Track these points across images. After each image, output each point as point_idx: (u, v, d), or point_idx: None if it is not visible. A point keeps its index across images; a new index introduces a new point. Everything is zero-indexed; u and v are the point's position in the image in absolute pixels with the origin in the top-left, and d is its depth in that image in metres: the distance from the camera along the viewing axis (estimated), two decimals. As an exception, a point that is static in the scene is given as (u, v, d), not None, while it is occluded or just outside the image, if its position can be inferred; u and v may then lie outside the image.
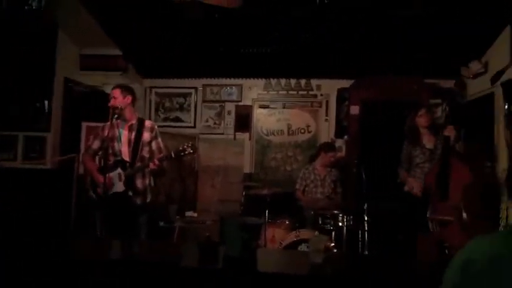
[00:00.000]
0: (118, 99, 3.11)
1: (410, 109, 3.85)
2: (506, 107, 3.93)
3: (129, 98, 3.16)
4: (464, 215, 3.15)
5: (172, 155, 3.03)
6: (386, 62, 4.76)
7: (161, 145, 3.27)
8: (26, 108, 4.63)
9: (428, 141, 3.71)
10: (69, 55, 4.94)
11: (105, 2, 4.32)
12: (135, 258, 2.38)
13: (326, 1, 3.67)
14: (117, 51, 5.09)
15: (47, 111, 4.63)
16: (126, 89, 3.20)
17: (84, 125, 4.51)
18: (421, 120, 3.69)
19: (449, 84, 5.02)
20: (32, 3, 4.44)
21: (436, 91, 5.08)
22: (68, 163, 4.43)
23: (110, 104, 3.12)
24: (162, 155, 3.14)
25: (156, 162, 3.02)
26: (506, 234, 0.91)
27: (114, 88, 3.21)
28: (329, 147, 4.55)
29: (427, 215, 3.30)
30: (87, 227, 3.67)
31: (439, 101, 5.04)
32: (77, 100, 4.99)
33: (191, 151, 3.01)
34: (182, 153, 3.02)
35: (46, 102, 4.64)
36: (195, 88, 5.70)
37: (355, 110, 5.13)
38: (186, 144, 3.03)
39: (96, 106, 5.12)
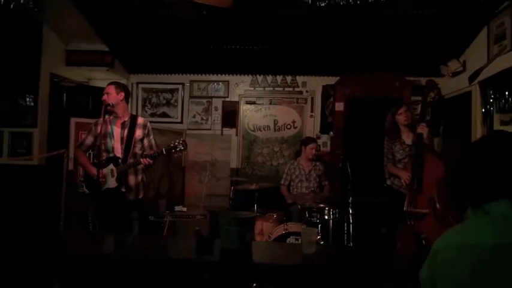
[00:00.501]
0: (111, 95, 3.13)
1: (392, 106, 4.01)
2: (482, 104, 4.14)
3: (122, 95, 3.19)
4: (439, 207, 3.34)
5: (164, 152, 3.07)
6: (369, 60, 4.92)
7: (153, 142, 3.32)
8: (12, 104, 4.58)
9: (407, 138, 3.87)
10: (55, 50, 4.90)
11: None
12: (129, 252, 2.44)
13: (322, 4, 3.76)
14: (103, 47, 5.08)
15: (33, 106, 4.60)
16: (119, 86, 3.23)
17: (73, 121, 4.50)
18: (401, 118, 3.85)
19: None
20: (18, -1, 4.39)
21: (416, 88, 5.27)
22: (56, 159, 4.42)
23: (102, 99, 3.13)
24: (153, 151, 3.18)
25: (149, 159, 3.06)
26: (470, 224, 1.05)
27: (107, 85, 3.21)
28: (308, 140, 4.68)
29: (404, 208, 3.46)
30: (78, 222, 3.70)
31: (419, 98, 5.23)
32: (63, 95, 4.97)
33: (182, 148, 3.06)
34: (173, 150, 3.07)
35: (32, 97, 4.61)
36: (182, 84, 5.74)
37: (339, 106, 5.28)
38: (177, 140, 3.08)
39: (83, 101, 5.12)
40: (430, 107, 5.07)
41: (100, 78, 5.44)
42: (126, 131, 3.17)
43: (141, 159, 3.08)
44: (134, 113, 5.66)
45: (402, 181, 3.61)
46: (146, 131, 3.27)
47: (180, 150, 3.09)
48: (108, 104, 3.09)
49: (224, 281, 2.11)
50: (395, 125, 3.88)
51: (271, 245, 3.16)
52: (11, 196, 4.15)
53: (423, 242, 3.16)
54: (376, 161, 4.30)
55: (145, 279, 2.08)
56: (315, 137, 5.45)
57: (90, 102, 5.06)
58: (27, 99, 4.62)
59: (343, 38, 4.60)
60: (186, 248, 2.37)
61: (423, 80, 5.28)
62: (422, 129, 3.53)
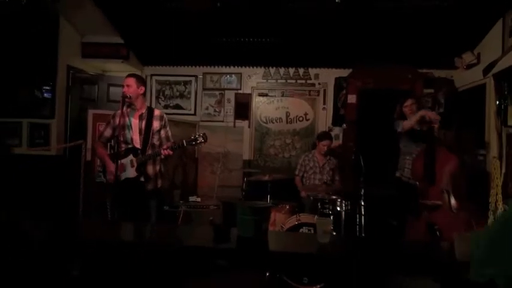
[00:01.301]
0: (132, 87, 3.19)
1: (402, 98, 4.03)
2: (496, 97, 4.12)
3: (142, 89, 3.27)
4: (453, 200, 3.37)
5: (184, 144, 3.14)
6: (382, 52, 4.91)
7: (169, 134, 3.39)
8: (30, 96, 4.70)
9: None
10: (71, 43, 4.99)
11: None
12: (147, 240, 2.52)
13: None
14: (118, 39, 5.15)
15: (50, 98, 4.71)
16: (140, 79, 3.29)
17: (91, 112, 4.60)
18: (406, 110, 3.89)
19: (443, 74, 5.21)
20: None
21: (429, 81, 5.26)
22: (74, 149, 4.53)
23: (123, 92, 3.19)
24: (173, 142, 3.25)
25: (169, 151, 3.13)
26: None
27: (128, 76, 3.26)
28: (323, 136, 4.69)
29: (417, 200, 3.50)
30: (96, 211, 3.80)
31: (431, 90, 5.23)
32: (80, 87, 5.06)
33: (202, 140, 3.13)
34: (194, 142, 3.14)
35: (49, 89, 4.71)
36: (195, 76, 5.79)
37: (352, 98, 5.30)
38: (198, 133, 3.15)
39: (99, 93, 5.22)
40: (443, 101, 5.09)
41: (115, 70, 5.53)
42: (143, 122, 3.24)
43: (162, 151, 3.14)
44: (148, 104, 5.75)
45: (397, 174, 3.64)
46: (163, 122, 3.34)
47: (201, 142, 3.16)
48: (127, 97, 3.16)
49: (241, 268, 2.17)
50: (402, 116, 3.91)
51: (286, 234, 3.22)
52: (30, 185, 4.27)
53: (437, 233, 3.21)
54: (387, 153, 4.33)
55: (163, 266, 2.15)
56: (327, 129, 5.49)
57: (106, 94, 5.14)
58: (45, 90, 4.73)
59: (356, 30, 4.60)
60: (202, 237, 2.44)
61: (436, 73, 5.29)
62: (434, 122, 3.56)
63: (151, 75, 5.85)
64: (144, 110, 3.29)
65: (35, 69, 4.70)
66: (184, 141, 3.13)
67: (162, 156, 3.20)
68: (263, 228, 2.25)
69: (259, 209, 2.24)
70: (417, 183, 3.68)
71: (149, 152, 3.21)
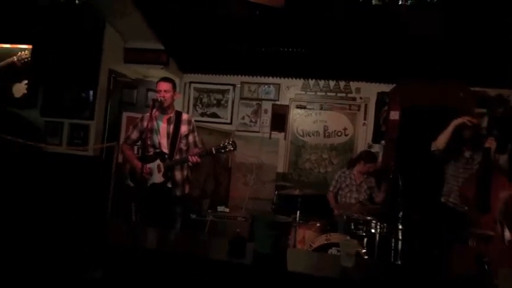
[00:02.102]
0: (169, 93, 3.17)
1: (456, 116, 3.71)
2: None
3: (177, 95, 3.26)
4: (507, 232, 3.01)
5: (213, 151, 3.05)
6: (429, 67, 4.60)
7: (197, 139, 3.32)
8: (73, 97, 4.84)
9: (466, 150, 3.58)
10: (114, 48, 5.12)
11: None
12: (169, 247, 2.43)
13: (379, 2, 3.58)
14: (159, 46, 5.22)
15: (91, 100, 4.83)
16: (175, 85, 3.27)
17: (125, 115, 4.66)
18: (466, 131, 3.56)
19: (496, 92, 4.80)
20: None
21: (482, 100, 4.86)
22: (109, 151, 4.59)
23: (159, 96, 3.15)
24: (202, 148, 3.18)
25: (197, 158, 3.05)
26: None
27: (164, 81, 3.23)
28: (370, 158, 4.41)
29: (466, 228, 3.17)
30: (123, 214, 3.77)
31: (484, 110, 4.82)
32: (120, 91, 5.17)
33: (232, 148, 3.02)
34: (223, 150, 3.04)
35: (91, 92, 4.84)
36: (234, 85, 5.75)
37: (395, 115, 5.00)
38: (227, 141, 3.05)
39: (138, 97, 5.30)
40: (498, 122, 4.65)
41: (155, 76, 5.59)
42: (172, 126, 3.20)
43: (190, 157, 3.07)
44: (186, 111, 5.78)
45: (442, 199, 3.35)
46: (191, 127, 3.28)
47: (230, 150, 3.06)
48: (160, 101, 3.12)
49: (254, 286, 2.01)
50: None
51: (308, 254, 3.02)
52: (66, 183, 4.37)
53: (485, 266, 2.88)
54: (430, 175, 4.01)
55: (173, 274, 2.04)
56: (366, 146, 5.22)
57: (144, 98, 5.21)
58: (87, 93, 4.86)
59: (402, 42, 4.34)
60: (219, 249, 2.31)
61: (490, 91, 4.88)
62: (491, 144, 3.24)
63: (190, 82, 5.88)
64: (172, 114, 3.25)
65: (79, 71, 4.85)
66: (213, 148, 3.04)
67: (190, 164, 3.12)
68: (281, 244, 2.08)
69: (278, 224, 2.07)
70: (466, 209, 3.36)
71: (176, 156, 3.14)
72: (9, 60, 5.13)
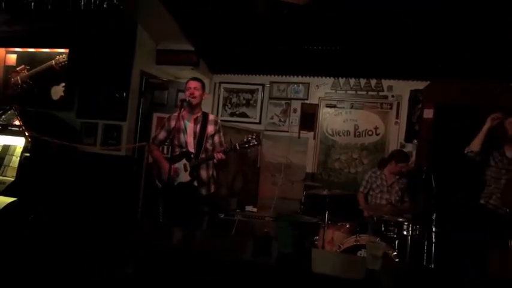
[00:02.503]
0: (199, 91, 3.22)
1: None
2: None
3: (205, 94, 3.29)
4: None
5: (237, 147, 3.07)
6: (466, 63, 4.40)
7: (222, 139, 3.35)
8: (106, 98, 5.00)
9: (508, 150, 3.39)
10: (146, 50, 5.23)
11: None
12: (195, 247, 2.45)
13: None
14: (189, 47, 5.29)
15: (124, 101, 4.96)
16: (204, 84, 3.31)
17: (155, 115, 4.76)
18: (510, 127, 3.37)
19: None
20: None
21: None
22: (140, 151, 4.71)
23: (189, 93, 3.19)
24: (226, 146, 3.20)
25: (222, 154, 3.07)
26: None
27: (195, 80, 3.27)
28: (402, 157, 4.26)
29: (507, 232, 3.02)
30: (153, 213, 3.85)
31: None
32: (151, 92, 5.29)
33: (255, 143, 3.02)
34: (246, 145, 3.05)
35: (124, 93, 4.97)
36: (263, 85, 5.75)
37: (429, 113, 4.83)
38: (250, 135, 3.05)
39: (168, 98, 5.40)
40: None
41: (185, 77, 5.66)
42: (198, 126, 3.23)
43: (215, 154, 3.10)
44: (215, 112, 5.84)
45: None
46: (217, 127, 3.30)
47: (254, 145, 3.06)
48: (189, 101, 3.16)
49: (277, 286, 2.00)
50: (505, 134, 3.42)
51: (333, 255, 2.96)
52: (100, 182, 4.52)
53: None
54: (468, 176, 3.85)
55: (197, 273, 2.06)
56: (399, 145, 5.07)
57: (175, 99, 5.30)
58: (120, 94, 5.00)
59: (436, 37, 4.17)
60: (245, 248, 2.32)
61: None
62: None
63: (220, 83, 5.93)
64: (199, 114, 3.28)
65: (113, 74, 5.00)
66: (237, 144, 3.06)
67: (215, 161, 3.14)
68: (306, 245, 2.05)
69: (301, 224, 2.04)
70: (508, 212, 3.19)
71: (202, 156, 3.17)
72: (48, 64, 5.40)
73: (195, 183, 3.19)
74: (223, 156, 3.09)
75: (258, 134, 3.13)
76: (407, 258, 3.50)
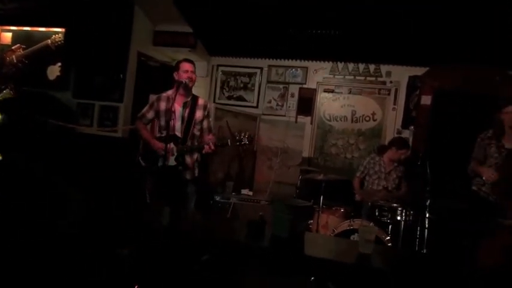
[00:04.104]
0: (194, 74, 3.19)
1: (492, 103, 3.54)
2: None
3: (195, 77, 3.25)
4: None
5: (229, 143, 3.08)
6: (464, 50, 4.37)
7: (211, 124, 3.34)
8: (103, 80, 4.96)
9: (508, 141, 3.39)
10: (143, 31, 5.16)
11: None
12: (188, 227, 2.47)
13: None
14: (187, 28, 5.22)
15: (121, 82, 4.92)
16: (195, 66, 3.27)
17: (152, 97, 4.71)
18: (507, 117, 3.37)
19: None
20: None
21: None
22: (134, 132, 4.69)
23: (187, 76, 3.13)
24: (218, 139, 3.19)
25: (212, 147, 3.06)
26: None
27: (188, 62, 3.21)
28: (402, 144, 4.25)
29: (499, 219, 3.04)
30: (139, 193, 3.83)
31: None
32: (148, 73, 5.24)
33: (247, 142, 3.06)
34: (238, 143, 3.07)
35: (120, 74, 4.93)
36: (261, 68, 5.70)
37: (426, 100, 4.82)
38: (243, 134, 3.08)
39: (165, 80, 5.36)
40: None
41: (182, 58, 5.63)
42: (187, 111, 3.18)
43: (205, 146, 3.08)
44: (212, 94, 5.81)
45: (484, 179, 3.21)
46: (206, 112, 3.26)
47: (245, 144, 3.10)
48: (185, 83, 3.11)
49: (272, 268, 2.03)
50: (500, 124, 3.42)
51: (325, 239, 3.00)
52: (97, 163, 4.51)
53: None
54: (463, 163, 3.86)
55: (191, 253, 2.08)
56: (395, 131, 5.08)
57: (171, 81, 5.25)
58: (117, 75, 4.95)
59: (435, 23, 4.13)
60: (239, 231, 2.34)
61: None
62: None
63: (218, 65, 5.88)
64: (189, 98, 3.24)
65: (110, 54, 4.94)
66: (229, 141, 3.08)
67: (203, 152, 3.14)
68: (299, 229, 2.08)
69: (295, 208, 2.06)
70: (498, 199, 3.22)
71: (189, 141, 3.16)
72: (43, 43, 5.32)
73: (180, 168, 3.16)
74: (213, 149, 3.08)
75: (251, 134, 3.14)
76: (400, 243, 3.54)
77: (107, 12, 4.90)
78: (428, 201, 3.57)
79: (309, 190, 4.27)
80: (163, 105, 3.18)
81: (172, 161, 3.12)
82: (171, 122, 3.11)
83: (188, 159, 3.21)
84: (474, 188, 3.53)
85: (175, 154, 3.12)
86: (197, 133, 3.24)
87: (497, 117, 3.45)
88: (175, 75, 3.22)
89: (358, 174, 4.37)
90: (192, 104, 3.22)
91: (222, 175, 4.84)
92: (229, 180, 4.85)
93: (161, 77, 5.27)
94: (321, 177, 3.90)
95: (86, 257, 2.36)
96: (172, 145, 3.12)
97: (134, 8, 4.94)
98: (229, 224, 2.87)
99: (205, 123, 3.28)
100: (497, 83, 4.58)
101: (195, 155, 3.26)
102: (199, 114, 3.23)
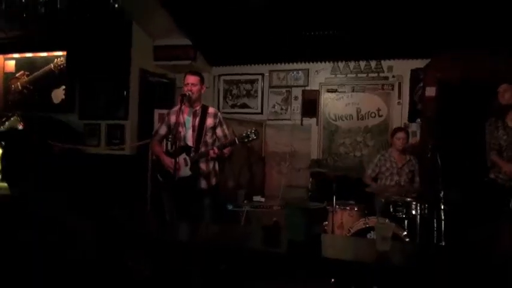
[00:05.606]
0: (196, 86, 3.19)
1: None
2: None
3: (204, 88, 3.27)
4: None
5: (237, 141, 3.06)
6: (466, 38, 4.33)
7: (226, 132, 3.32)
8: (107, 99, 5.01)
9: (510, 120, 3.36)
10: (143, 47, 5.22)
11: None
12: (202, 240, 2.46)
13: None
14: (187, 41, 5.27)
15: (125, 100, 4.97)
16: (202, 78, 3.28)
17: (157, 112, 4.76)
18: (504, 96, 3.35)
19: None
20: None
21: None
22: (144, 148, 4.72)
23: (187, 89, 3.16)
24: (225, 140, 3.20)
25: (216, 150, 3.07)
26: None
27: (192, 74, 3.24)
28: (396, 129, 4.31)
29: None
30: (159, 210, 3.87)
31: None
32: (151, 89, 5.28)
33: (254, 137, 3.01)
34: (246, 139, 3.04)
35: (124, 92, 4.97)
36: (262, 74, 5.72)
37: (431, 91, 4.78)
38: (249, 130, 3.04)
39: (168, 94, 5.40)
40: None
41: (184, 72, 5.66)
42: (197, 119, 3.22)
43: (209, 150, 3.10)
44: (216, 104, 5.83)
45: (503, 172, 3.16)
46: (217, 120, 3.28)
47: (253, 139, 3.05)
48: (188, 95, 3.15)
49: (291, 274, 2.01)
50: (499, 105, 3.39)
51: (343, 239, 2.97)
52: (107, 182, 4.54)
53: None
54: (475, 152, 3.82)
55: (211, 266, 2.07)
56: (402, 125, 5.04)
57: (175, 95, 5.30)
58: (121, 94, 4.99)
59: (434, 12, 4.11)
60: (254, 238, 2.32)
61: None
62: None
63: (219, 75, 5.91)
64: (198, 107, 3.27)
65: (111, 73, 5.00)
66: (236, 138, 3.06)
67: (209, 158, 3.14)
68: (315, 231, 2.06)
69: (309, 211, 2.05)
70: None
71: (202, 149, 3.17)
72: (46, 68, 5.41)
73: (196, 177, 3.18)
74: (217, 152, 3.08)
75: (257, 128, 3.11)
76: (417, 238, 3.50)
77: (105, 31, 4.97)
78: (442, 193, 3.53)
79: (321, 191, 4.25)
80: (173, 118, 3.24)
81: (187, 171, 3.14)
82: (181, 133, 3.15)
83: (203, 167, 3.21)
84: (492, 175, 3.48)
85: (189, 164, 3.14)
86: (209, 140, 3.25)
87: (496, 99, 3.43)
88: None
89: (369, 172, 4.34)
90: (202, 112, 3.25)
91: (233, 184, 4.84)
92: (240, 189, 4.85)
93: (164, 92, 5.32)
94: (331, 177, 3.86)
95: (103, 277, 2.36)
96: (185, 155, 3.14)
97: (132, 25, 5.00)
98: (243, 231, 2.85)
99: (219, 131, 3.29)
100: (500, 66, 4.53)
101: (211, 164, 3.26)
102: (210, 121, 3.25)
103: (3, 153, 4.14)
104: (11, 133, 4.48)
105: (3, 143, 4.17)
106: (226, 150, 3.17)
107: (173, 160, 2.96)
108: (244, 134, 3.04)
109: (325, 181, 4.01)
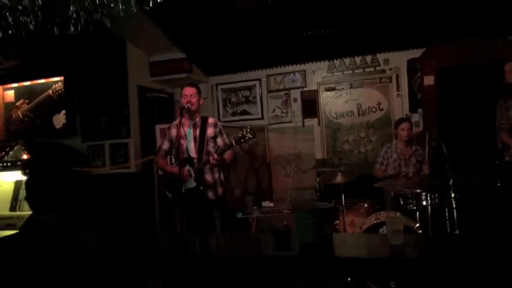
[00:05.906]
0: (195, 98, 3.21)
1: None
2: None
3: (202, 100, 3.28)
4: None
5: (233, 143, 3.06)
6: (460, 24, 4.32)
7: (227, 141, 3.32)
8: (108, 119, 5.02)
9: None
10: (139, 64, 5.24)
11: (166, 10, 4.48)
12: (213, 251, 2.45)
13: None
14: (181, 54, 5.29)
15: (126, 118, 4.98)
16: (200, 90, 3.30)
17: (158, 127, 4.76)
18: (507, 75, 3.32)
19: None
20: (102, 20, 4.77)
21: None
22: (149, 164, 4.72)
23: (185, 101, 3.17)
24: (223, 144, 3.20)
25: (215, 156, 3.07)
26: None
27: (190, 86, 3.25)
28: (399, 120, 4.30)
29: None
30: (170, 224, 3.87)
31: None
32: (150, 105, 5.29)
33: (250, 136, 3.00)
34: (242, 140, 3.03)
35: (124, 110, 4.98)
36: (259, 80, 5.72)
37: (429, 80, 4.77)
38: (244, 130, 3.03)
39: (167, 109, 5.41)
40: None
41: (181, 85, 5.68)
42: (198, 130, 3.23)
43: (209, 157, 3.09)
44: (216, 113, 5.84)
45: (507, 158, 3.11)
46: (217, 129, 3.29)
47: (249, 138, 3.04)
48: (187, 108, 3.15)
49: (304, 276, 1.99)
50: (506, 84, 3.36)
51: (353, 237, 2.94)
52: (114, 201, 4.53)
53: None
54: (482, 135, 3.79)
55: (225, 276, 2.06)
56: (404, 117, 5.01)
57: (174, 109, 5.31)
58: (120, 112, 5.00)
59: (425, 1, 4.10)
60: (266, 244, 2.31)
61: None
62: None
63: (217, 84, 5.92)
64: (198, 119, 3.27)
65: (110, 93, 5.01)
66: (232, 141, 3.05)
67: (209, 165, 3.14)
68: (326, 231, 2.04)
69: (319, 211, 2.03)
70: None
71: (205, 159, 3.17)
72: (45, 94, 5.44)
73: (201, 188, 3.18)
74: (217, 157, 3.07)
75: (252, 127, 3.10)
76: (430, 228, 3.46)
77: (100, 52, 4.99)
78: (451, 181, 3.50)
79: (329, 191, 4.22)
80: (174, 132, 3.25)
81: (192, 182, 3.14)
82: (183, 145, 3.16)
83: (209, 178, 3.21)
84: (507, 158, 3.42)
85: (193, 175, 3.14)
86: (212, 150, 3.25)
87: (503, 79, 3.40)
88: None
89: (377, 165, 4.32)
90: (201, 123, 3.27)
91: (240, 192, 4.83)
92: (247, 196, 4.83)
93: (163, 107, 5.33)
94: (338, 178, 3.84)
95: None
96: (188, 167, 3.14)
97: (126, 44, 5.02)
98: (254, 238, 2.83)
99: (219, 140, 3.31)
100: (497, 49, 4.50)
101: (217, 174, 3.26)
102: (210, 131, 3.27)
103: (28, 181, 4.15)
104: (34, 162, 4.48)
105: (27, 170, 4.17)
106: (226, 156, 3.17)
107: (179, 168, 2.96)
108: (240, 135, 3.03)
109: (331, 180, 3.97)
